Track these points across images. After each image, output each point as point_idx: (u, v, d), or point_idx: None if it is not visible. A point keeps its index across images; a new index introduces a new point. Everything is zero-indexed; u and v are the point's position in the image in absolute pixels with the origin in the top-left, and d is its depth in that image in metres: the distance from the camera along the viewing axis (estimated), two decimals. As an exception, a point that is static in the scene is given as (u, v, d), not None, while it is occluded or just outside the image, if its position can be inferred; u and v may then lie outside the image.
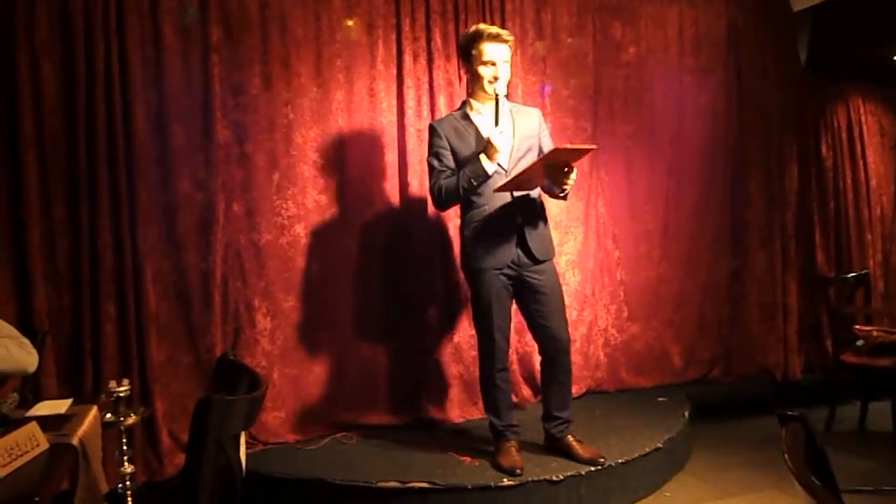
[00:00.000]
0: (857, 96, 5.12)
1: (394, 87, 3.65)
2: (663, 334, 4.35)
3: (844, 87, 5.07)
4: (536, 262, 2.90)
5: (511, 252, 2.86)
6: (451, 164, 2.89)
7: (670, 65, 4.35)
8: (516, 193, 2.86)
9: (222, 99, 3.29)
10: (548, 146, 3.00)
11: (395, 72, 3.65)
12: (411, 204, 3.65)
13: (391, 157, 3.65)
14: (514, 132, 2.90)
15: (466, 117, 2.95)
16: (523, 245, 2.87)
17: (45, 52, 2.95)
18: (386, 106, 3.63)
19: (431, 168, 2.94)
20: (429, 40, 3.68)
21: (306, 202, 3.48)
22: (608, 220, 4.21)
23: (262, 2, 3.37)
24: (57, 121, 2.98)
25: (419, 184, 3.65)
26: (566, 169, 2.74)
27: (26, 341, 2.01)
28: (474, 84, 2.94)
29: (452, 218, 3.69)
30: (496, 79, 2.83)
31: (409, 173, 3.63)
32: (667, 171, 4.34)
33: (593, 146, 2.89)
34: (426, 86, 3.69)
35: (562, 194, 2.90)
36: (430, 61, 3.68)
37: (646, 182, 4.29)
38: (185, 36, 3.23)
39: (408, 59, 3.63)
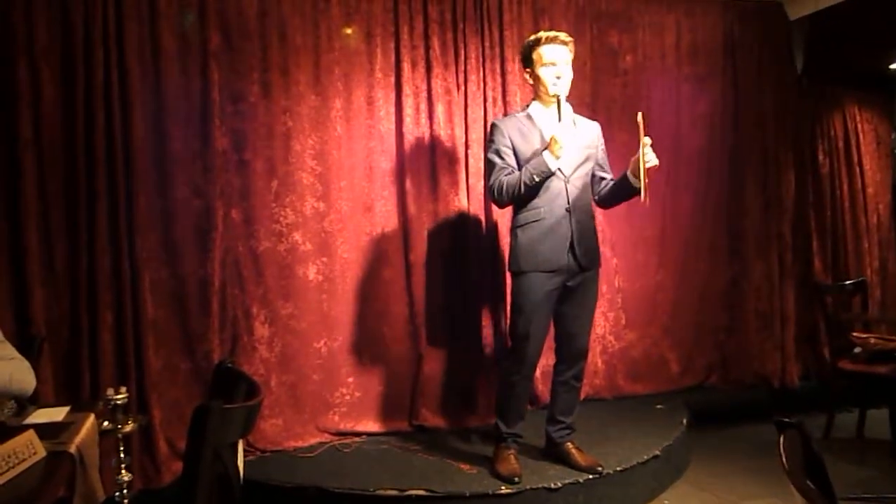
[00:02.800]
0: (854, 104, 5.14)
1: (392, 96, 3.66)
2: (661, 341, 4.36)
3: (841, 95, 5.08)
4: (583, 269, 2.91)
5: (562, 257, 2.86)
6: (513, 162, 2.90)
7: (667, 73, 4.37)
8: (572, 200, 2.87)
9: (221, 106, 3.29)
10: (604, 160, 3.05)
11: (393, 80, 3.66)
12: (409, 212, 3.65)
13: (389, 165, 3.65)
14: (575, 140, 2.90)
15: (530, 119, 2.97)
16: (573, 251, 2.88)
17: (45, 58, 2.96)
18: (384, 114, 3.64)
19: (492, 165, 2.93)
20: (427, 49, 3.70)
21: (305, 209, 3.48)
22: (606, 228, 4.21)
23: (262, 10, 3.39)
24: (55, 127, 2.98)
25: (417, 191, 3.65)
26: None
27: (26, 364, 2.02)
28: (538, 88, 2.95)
29: (453, 224, 3.70)
30: (559, 78, 2.86)
31: (407, 181, 3.64)
32: (664, 178, 4.35)
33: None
34: (424, 94, 3.70)
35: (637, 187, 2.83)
36: (428, 70, 3.70)
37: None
38: (184, 43, 3.24)
39: (406, 67, 3.65)
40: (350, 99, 3.58)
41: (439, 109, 3.70)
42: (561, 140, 2.75)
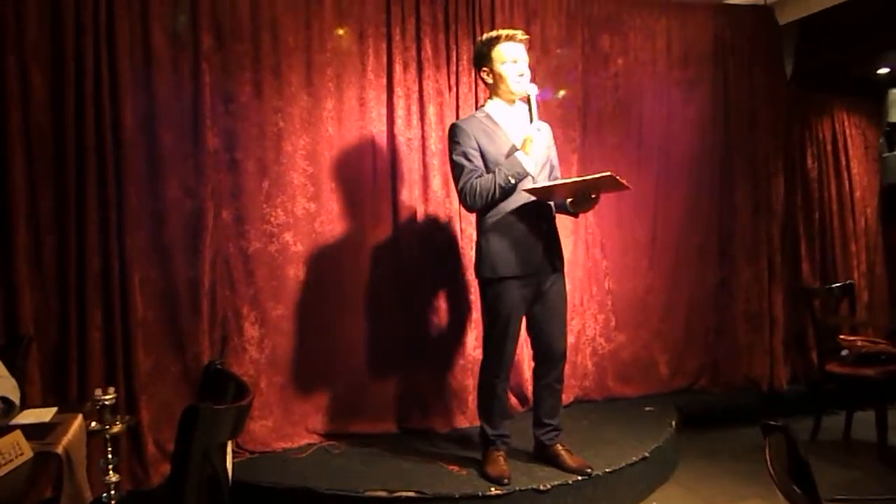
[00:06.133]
0: (842, 109, 5.18)
1: (384, 97, 3.66)
2: (650, 344, 4.38)
3: (829, 99, 5.12)
4: (553, 270, 2.92)
5: (535, 260, 2.85)
6: (481, 164, 2.84)
7: (658, 77, 4.39)
8: (541, 202, 2.86)
9: (212, 106, 3.29)
10: (554, 160, 3.05)
11: (385, 81, 3.66)
12: (401, 213, 3.65)
13: (381, 166, 3.65)
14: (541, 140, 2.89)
15: (491, 119, 2.93)
16: (545, 253, 2.87)
17: (34, 57, 2.94)
18: (376, 115, 3.64)
19: (461, 167, 2.84)
20: (419, 50, 3.70)
21: (296, 210, 3.48)
22: (596, 230, 4.23)
23: (254, 10, 3.38)
24: (45, 126, 2.96)
25: (409, 192, 3.65)
26: (593, 195, 2.77)
27: (13, 382, 2.05)
28: (497, 87, 2.91)
29: (444, 226, 3.71)
30: (521, 76, 2.84)
31: (398, 182, 3.64)
32: (654, 181, 4.38)
33: (630, 187, 2.78)
34: (416, 95, 3.70)
35: (573, 212, 2.95)
36: (420, 71, 3.70)
37: (634, 192, 4.29)
38: (175, 43, 3.23)
39: (398, 68, 3.65)
40: (342, 100, 3.58)
41: (431, 111, 3.70)
42: (536, 139, 2.75)
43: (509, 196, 2.82)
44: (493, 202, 2.83)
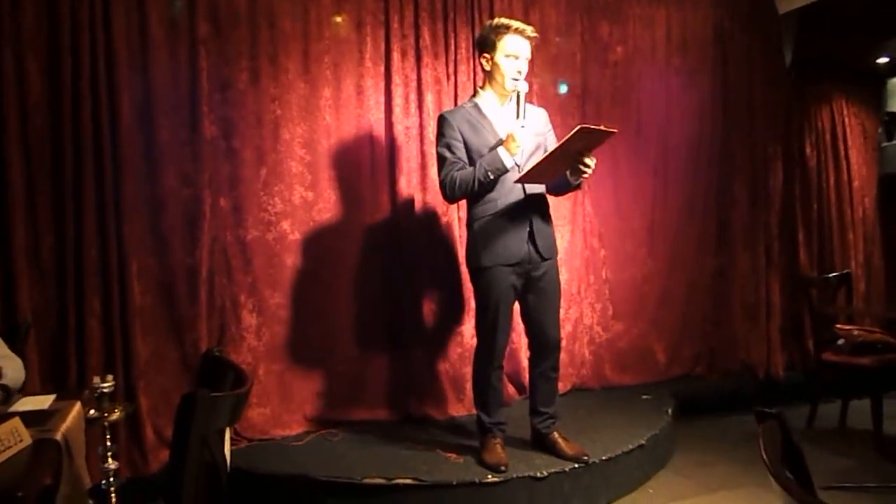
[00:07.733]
0: (842, 98, 5.17)
1: (382, 85, 3.65)
2: (648, 332, 4.39)
3: (829, 88, 5.11)
4: (543, 259, 2.91)
5: (522, 248, 2.85)
6: (464, 155, 2.84)
7: (657, 65, 4.38)
8: (528, 190, 2.85)
9: (209, 94, 3.27)
10: (553, 146, 3.01)
11: (383, 69, 3.65)
12: (399, 201, 3.65)
13: (379, 154, 3.64)
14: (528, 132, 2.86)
15: (479, 110, 2.91)
16: (533, 242, 2.87)
17: (30, 47, 2.91)
18: (374, 103, 3.63)
19: (443, 159, 2.86)
20: (417, 38, 3.68)
21: (293, 198, 3.47)
22: (594, 219, 4.24)
23: (251, -3, 3.36)
24: (42, 116, 2.94)
25: (407, 181, 3.65)
26: (584, 156, 2.68)
27: (19, 361, 2.04)
28: (492, 76, 2.89)
29: (442, 215, 3.71)
30: (520, 73, 2.81)
31: (396, 170, 3.64)
32: (653, 170, 4.38)
33: (615, 130, 2.63)
34: (414, 84, 3.69)
35: (576, 183, 2.86)
36: (418, 59, 3.68)
37: (632, 181, 4.32)
38: (172, 30, 3.21)
39: (396, 56, 3.63)
40: (339, 88, 3.57)
41: (429, 99, 3.69)
42: (520, 139, 2.73)
43: (491, 189, 2.82)
44: (475, 194, 2.84)
